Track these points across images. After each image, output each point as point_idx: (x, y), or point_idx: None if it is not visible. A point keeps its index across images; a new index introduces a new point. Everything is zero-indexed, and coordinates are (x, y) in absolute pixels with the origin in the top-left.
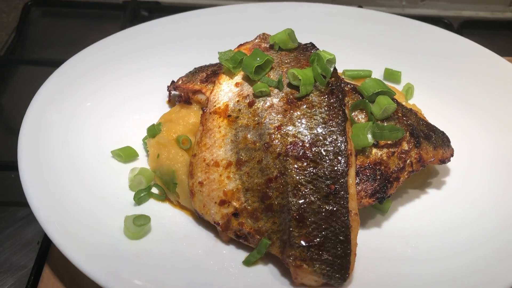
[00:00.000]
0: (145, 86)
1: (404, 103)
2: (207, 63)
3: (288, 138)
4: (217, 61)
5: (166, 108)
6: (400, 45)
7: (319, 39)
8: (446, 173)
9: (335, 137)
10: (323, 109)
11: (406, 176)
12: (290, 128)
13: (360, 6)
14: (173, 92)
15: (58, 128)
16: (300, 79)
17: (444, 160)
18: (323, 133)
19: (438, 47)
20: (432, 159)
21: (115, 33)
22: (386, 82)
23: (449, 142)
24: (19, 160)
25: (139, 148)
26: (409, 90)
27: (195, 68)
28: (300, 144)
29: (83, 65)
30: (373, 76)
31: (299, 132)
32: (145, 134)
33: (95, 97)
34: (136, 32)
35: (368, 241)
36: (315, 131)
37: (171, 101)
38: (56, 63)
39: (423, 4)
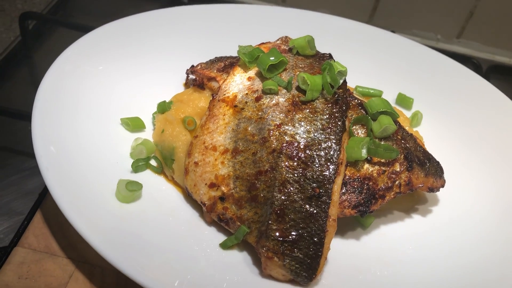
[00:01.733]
0: (166, 65)
1: (407, 128)
2: (229, 55)
3: (285, 137)
4: (235, 47)
5: (181, 89)
6: (420, 74)
7: (340, 53)
8: (434, 203)
9: (329, 144)
10: (324, 116)
11: (392, 196)
12: (290, 128)
13: (393, 31)
14: (190, 76)
15: (74, 89)
16: (308, 84)
17: (433, 189)
18: (320, 138)
19: (458, 85)
20: (421, 185)
21: (149, 11)
22: (397, 106)
23: (442, 173)
24: (33, 116)
25: (147, 120)
26: (415, 117)
27: (216, 57)
28: (296, 144)
29: (109, 37)
30: (385, 97)
31: (297, 133)
32: (156, 109)
33: (117, 66)
34: (168, 13)
35: (343, 250)
36: (312, 136)
37: (187, 84)
38: (90, 30)
39: (458, 41)
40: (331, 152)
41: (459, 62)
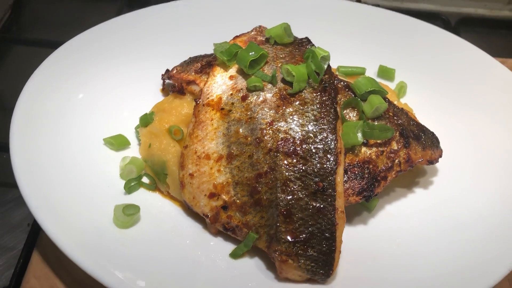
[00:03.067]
0: (140, 74)
1: (396, 102)
2: (203, 53)
3: (280, 134)
4: (211, 51)
5: (159, 97)
6: (396, 43)
7: (315, 33)
8: (434, 174)
9: (325, 135)
10: (315, 106)
11: (393, 176)
12: (282, 124)
13: (358, 1)
14: (167, 81)
15: (51, 113)
16: (294, 75)
17: (432, 161)
18: (314, 130)
19: (433, 47)
20: (420, 160)
21: (111, 18)
22: (379, 79)
23: (438, 143)
24: (11, 144)
25: (131, 136)
26: (401, 89)
27: (190, 57)
28: (291, 140)
29: (77, 51)
30: (367, 72)
31: (290, 128)
32: (138, 122)
33: (89, 84)
34: (132, 18)
35: (353, 238)
36: (306, 128)
37: (165, 90)
38: (51, 45)
39: None
40: (328, 143)
41: (427, 20)
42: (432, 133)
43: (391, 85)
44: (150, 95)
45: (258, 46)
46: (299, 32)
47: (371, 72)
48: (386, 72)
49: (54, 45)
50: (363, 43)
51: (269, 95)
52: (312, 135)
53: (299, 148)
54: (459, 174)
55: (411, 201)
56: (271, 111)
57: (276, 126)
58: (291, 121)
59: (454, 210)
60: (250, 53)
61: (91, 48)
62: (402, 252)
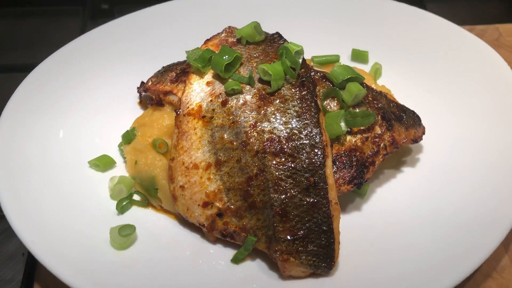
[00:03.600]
0: (114, 90)
1: (373, 85)
2: (175, 60)
3: (265, 135)
4: (184, 56)
5: (138, 110)
6: (365, 24)
7: (283, 25)
8: (419, 150)
9: (309, 130)
10: (295, 102)
11: (381, 159)
12: (265, 124)
13: None
14: (143, 93)
15: (31, 142)
16: (270, 74)
17: (416, 140)
18: (298, 126)
19: (402, 24)
20: (405, 140)
21: (75, 33)
22: (354, 63)
23: (420, 120)
24: None
25: (115, 154)
26: (377, 71)
27: (163, 67)
28: (277, 139)
29: (48, 75)
30: (341, 57)
31: (274, 127)
32: (120, 139)
33: (64, 107)
34: (98, 34)
35: (349, 226)
36: (290, 126)
37: (143, 102)
38: (19, 69)
39: None
40: (314, 137)
41: None
42: (413, 111)
43: (366, 67)
44: (128, 110)
45: (231, 49)
46: (269, 28)
47: (345, 57)
48: (359, 55)
49: (23, 69)
50: (332, 29)
51: (248, 97)
52: (296, 132)
53: (285, 146)
54: (443, 147)
55: (400, 181)
56: (253, 113)
57: (260, 127)
58: (274, 120)
59: (443, 182)
60: (224, 57)
61: (62, 70)
62: (398, 232)
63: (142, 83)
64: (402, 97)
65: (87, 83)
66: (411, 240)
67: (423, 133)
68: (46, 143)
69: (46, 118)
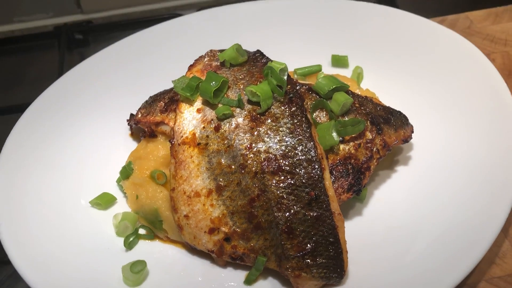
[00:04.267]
0: (104, 126)
1: (357, 90)
2: (159, 87)
3: (261, 155)
4: (168, 83)
5: (131, 142)
6: (340, 28)
7: (259, 37)
8: (409, 148)
9: (304, 145)
10: (286, 120)
11: (375, 164)
12: (260, 145)
13: None
14: (134, 125)
15: (29, 186)
16: (259, 95)
17: (406, 139)
18: (292, 143)
19: (376, 24)
20: (395, 142)
21: (53, 66)
22: (335, 69)
23: (407, 120)
24: None
25: (114, 190)
26: (359, 75)
27: (150, 97)
28: (273, 158)
29: (38, 118)
30: (322, 64)
31: (269, 147)
32: (117, 175)
33: (58, 148)
34: (80, 71)
35: (354, 233)
36: (284, 143)
37: (134, 134)
38: (4, 111)
39: None
40: (309, 151)
41: None
42: (399, 112)
43: (347, 71)
44: (121, 144)
45: (217, 75)
46: (246, 43)
47: (325, 63)
48: (339, 61)
49: (7, 111)
50: (309, 37)
51: (240, 120)
52: (291, 148)
53: (283, 164)
54: (431, 143)
55: (396, 180)
56: (246, 135)
57: (255, 148)
58: (268, 139)
59: (437, 177)
60: (211, 83)
61: (52, 111)
62: (401, 232)
63: (132, 115)
64: (387, 98)
65: (77, 123)
66: (415, 239)
67: (412, 132)
68: (45, 186)
69: (41, 161)
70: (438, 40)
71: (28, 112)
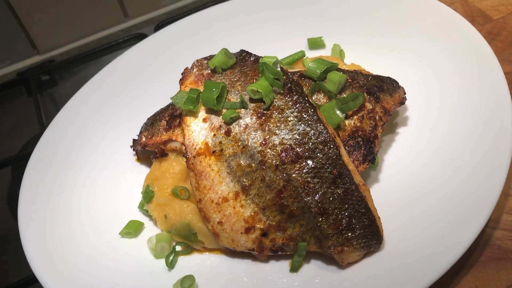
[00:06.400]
0: (109, 158)
1: (344, 66)
2: (152, 108)
3: (277, 148)
4: (159, 101)
5: (139, 167)
6: (310, 12)
7: (235, 33)
8: (404, 109)
9: (315, 128)
10: (292, 109)
11: (381, 130)
12: (274, 138)
13: None
14: (140, 149)
15: (59, 229)
16: (260, 92)
17: (402, 101)
18: (303, 129)
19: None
20: (394, 106)
21: (53, 121)
22: (313, 52)
23: (398, 83)
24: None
25: (138, 216)
26: (341, 52)
27: (148, 119)
28: (290, 148)
29: (43, 163)
30: (300, 49)
31: (283, 138)
32: (135, 201)
33: (70, 190)
34: (70, 111)
35: (377, 198)
36: (296, 131)
37: (141, 158)
38: None
39: None
40: (321, 134)
41: None
42: (388, 77)
43: (324, 52)
44: (131, 171)
45: (214, 82)
46: (223, 45)
47: (303, 48)
48: (315, 43)
49: None
50: (283, 26)
51: (248, 119)
52: (304, 134)
53: (300, 151)
54: (424, 100)
55: (401, 142)
56: (258, 132)
57: (270, 142)
58: (279, 131)
59: (437, 129)
60: (212, 91)
61: (53, 157)
62: (421, 188)
63: (134, 140)
64: (373, 67)
65: (81, 161)
66: (433, 191)
67: (405, 93)
68: (71, 229)
69: (59, 206)
70: (407, 3)
71: (33, 159)
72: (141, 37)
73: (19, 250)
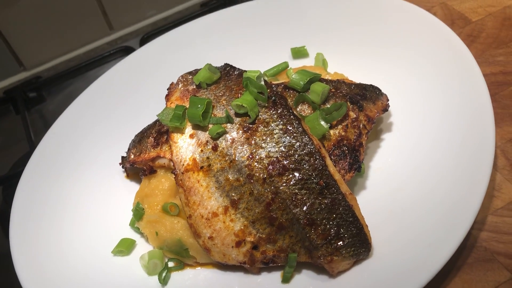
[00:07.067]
0: (98, 176)
1: (327, 76)
2: (139, 123)
3: (264, 161)
4: (146, 116)
5: (129, 183)
6: (291, 22)
7: (220, 45)
8: (388, 115)
9: (300, 140)
10: (277, 122)
11: (366, 138)
12: (260, 151)
13: None
14: (129, 166)
15: (49, 248)
16: (245, 107)
17: (385, 108)
18: (289, 141)
19: (323, 8)
20: (377, 114)
21: (43, 139)
22: (296, 61)
23: (380, 91)
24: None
25: (129, 233)
26: (324, 62)
27: (136, 135)
28: (276, 161)
29: (34, 182)
30: (284, 59)
31: (269, 151)
32: (125, 219)
33: (62, 209)
34: (58, 130)
35: (364, 206)
36: (282, 144)
37: (130, 175)
38: None
39: None
40: (306, 145)
41: None
42: (371, 85)
43: (308, 61)
44: (120, 188)
45: (200, 98)
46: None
47: (285, 58)
48: (299, 52)
49: None
50: (267, 36)
51: (234, 134)
52: (290, 146)
53: (286, 163)
54: (407, 105)
55: (386, 148)
56: (245, 146)
57: (257, 156)
58: (265, 145)
59: (421, 133)
60: (197, 107)
61: (44, 174)
62: (407, 191)
63: (123, 157)
64: (356, 75)
65: (71, 179)
66: (420, 193)
67: (388, 100)
68: (61, 248)
69: (51, 224)
70: (386, 8)
71: (24, 178)
72: (127, 50)
73: (11, 269)
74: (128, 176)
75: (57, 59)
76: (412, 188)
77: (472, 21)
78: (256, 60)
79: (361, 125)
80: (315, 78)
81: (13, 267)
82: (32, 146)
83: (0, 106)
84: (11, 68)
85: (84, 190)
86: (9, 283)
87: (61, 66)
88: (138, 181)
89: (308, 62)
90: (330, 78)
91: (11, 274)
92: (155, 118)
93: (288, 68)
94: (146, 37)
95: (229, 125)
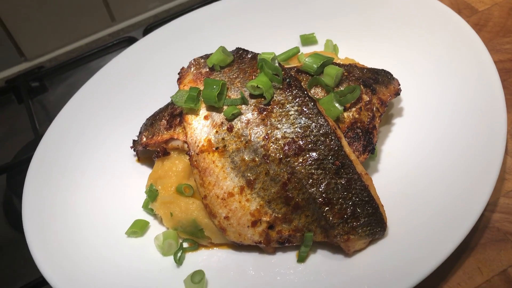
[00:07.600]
0: (109, 158)
1: (339, 60)
2: (148, 108)
3: (280, 142)
4: (155, 101)
5: (140, 167)
6: (300, 8)
7: (226, 33)
8: (399, 100)
9: (316, 121)
10: (292, 103)
11: (379, 121)
12: (276, 132)
13: None
14: (141, 149)
15: (64, 231)
16: (261, 88)
17: (397, 92)
18: (304, 122)
19: None
20: (389, 97)
21: (51, 125)
22: (306, 48)
23: (392, 75)
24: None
25: (142, 215)
26: (335, 47)
27: (147, 119)
28: (292, 141)
29: (43, 168)
30: (293, 45)
31: (285, 132)
32: (138, 201)
33: (73, 191)
34: (66, 117)
35: (379, 187)
36: (298, 124)
37: (141, 159)
38: None
39: None
40: (322, 126)
41: None
42: (383, 70)
43: (317, 48)
44: (132, 171)
45: (214, 79)
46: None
47: (296, 43)
48: (308, 39)
49: None
50: (274, 24)
51: (249, 115)
52: (305, 127)
53: (302, 144)
54: (417, 90)
55: (397, 132)
56: (260, 127)
57: (273, 137)
58: (281, 126)
59: (432, 118)
60: (213, 89)
61: (54, 158)
62: (420, 174)
63: (134, 141)
64: (368, 60)
65: (82, 162)
66: (432, 176)
67: (399, 85)
68: (76, 230)
69: (63, 206)
70: None
71: (34, 163)
72: (131, 40)
73: (17, 258)
74: (139, 159)
75: (59, 50)
76: (425, 171)
77: (478, 11)
78: (264, 46)
79: (374, 108)
80: (328, 62)
81: (18, 256)
82: (36, 134)
83: (1, 95)
84: (13, 59)
85: (96, 175)
86: (16, 272)
87: (62, 57)
88: (149, 164)
89: (317, 49)
90: (341, 62)
91: (17, 263)
92: (164, 103)
93: (299, 53)
94: (149, 28)
95: (244, 107)
